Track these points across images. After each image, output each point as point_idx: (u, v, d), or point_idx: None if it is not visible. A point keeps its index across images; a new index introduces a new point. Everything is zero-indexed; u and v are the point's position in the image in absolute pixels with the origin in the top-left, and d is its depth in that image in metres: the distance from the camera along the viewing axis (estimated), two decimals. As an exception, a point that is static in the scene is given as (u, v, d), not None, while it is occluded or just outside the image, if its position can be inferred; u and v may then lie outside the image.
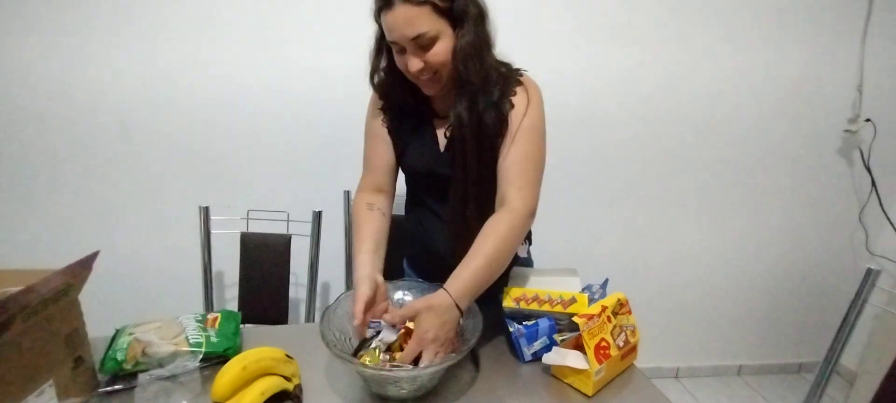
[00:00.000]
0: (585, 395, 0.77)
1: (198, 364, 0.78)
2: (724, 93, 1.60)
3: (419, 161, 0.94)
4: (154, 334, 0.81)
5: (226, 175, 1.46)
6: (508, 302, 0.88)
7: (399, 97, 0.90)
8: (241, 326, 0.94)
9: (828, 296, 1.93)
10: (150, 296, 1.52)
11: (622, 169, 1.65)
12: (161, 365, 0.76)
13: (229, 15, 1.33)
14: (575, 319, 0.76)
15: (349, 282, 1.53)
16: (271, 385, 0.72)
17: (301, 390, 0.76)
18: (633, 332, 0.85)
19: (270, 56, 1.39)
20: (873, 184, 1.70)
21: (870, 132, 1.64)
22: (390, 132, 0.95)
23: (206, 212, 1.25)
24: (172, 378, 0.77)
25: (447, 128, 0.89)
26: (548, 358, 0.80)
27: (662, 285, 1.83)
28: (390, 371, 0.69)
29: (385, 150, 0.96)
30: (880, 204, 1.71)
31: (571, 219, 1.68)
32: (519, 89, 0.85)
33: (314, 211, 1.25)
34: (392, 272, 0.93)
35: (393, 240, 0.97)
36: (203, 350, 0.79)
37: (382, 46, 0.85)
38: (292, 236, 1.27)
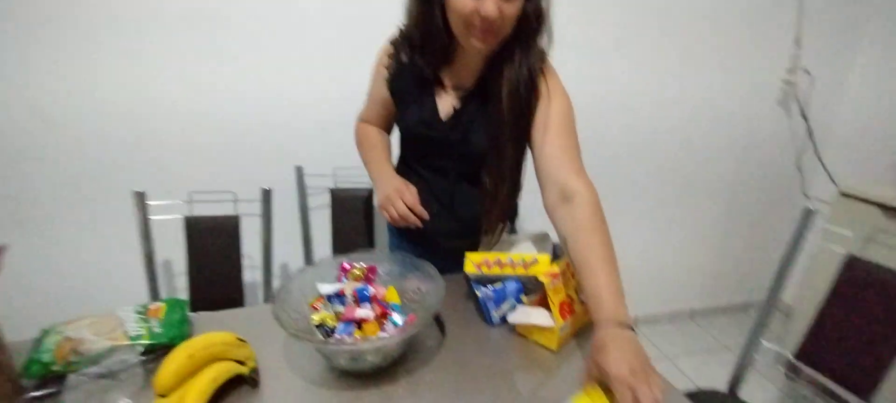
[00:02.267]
0: (551, 350, 0.78)
1: (139, 358, 0.72)
2: (669, 47, 1.63)
3: (418, 123, 0.92)
4: (86, 330, 0.73)
5: (162, 157, 1.35)
6: (469, 268, 0.87)
7: (428, 41, 0.83)
8: (192, 315, 0.88)
9: (768, 239, 2.07)
10: (86, 294, 1.40)
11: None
12: (96, 363, 0.70)
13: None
14: (540, 277, 0.76)
15: (308, 261, 1.47)
16: (223, 371, 0.67)
17: (258, 373, 0.72)
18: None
19: (204, 19, 1.26)
20: (809, 132, 1.81)
21: (807, 82, 1.73)
22: (392, 89, 0.94)
23: (141, 198, 1.14)
24: (110, 375, 0.70)
25: (458, 95, 0.89)
26: (513, 317, 0.80)
27: (619, 240, 1.88)
28: (353, 344, 0.66)
29: (383, 114, 1.01)
30: (815, 150, 1.83)
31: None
32: (548, 72, 0.85)
33: (263, 189, 1.18)
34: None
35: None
36: (145, 342, 0.73)
37: None
38: (241, 217, 1.19)
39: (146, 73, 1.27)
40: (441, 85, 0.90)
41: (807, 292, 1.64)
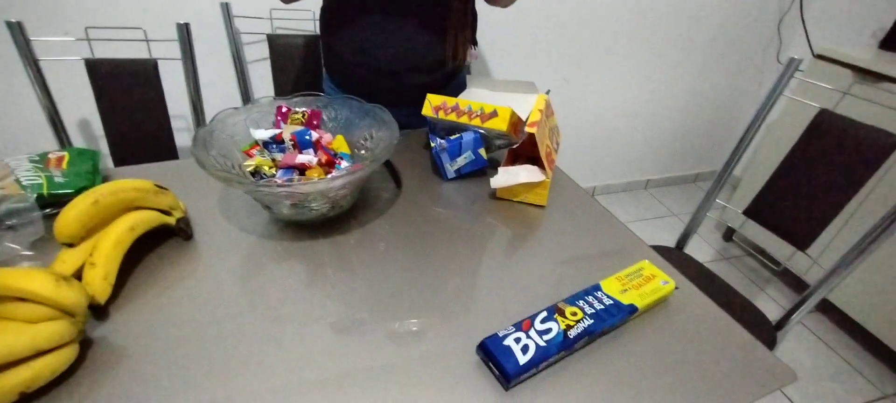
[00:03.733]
0: (540, 206, 0.73)
1: (38, 212, 0.61)
2: None
3: None
4: (-35, 179, 0.61)
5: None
6: (427, 110, 0.78)
7: None
8: (112, 168, 0.76)
9: (730, 110, 2.08)
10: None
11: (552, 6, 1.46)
12: (-20, 214, 0.59)
13: None
14: (528, 128, 0.67)
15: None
16: (143, 219, 0.58)
17: (188, 224, 0.63)
18: (558, 131, 0.81)
19: None
20: (797, -10, 1.69)
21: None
22: None
23: (21, 30, 0.91)
24: (7, 229, 0.60)
25: None
26: (497, 182, 0.70)
27: (585, 109, 1.83)
28: (291, 185, 0.57)
29: None
30: (801, 9, 1.73)
31: (496, 44, 1.53)
32: None
33: (178, 24, 0.96)
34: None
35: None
36: (43, 191, 0.62)
37: None
38: (158, 61, 0.99)
39: None
40: None
41: (756, 163, 1.69)
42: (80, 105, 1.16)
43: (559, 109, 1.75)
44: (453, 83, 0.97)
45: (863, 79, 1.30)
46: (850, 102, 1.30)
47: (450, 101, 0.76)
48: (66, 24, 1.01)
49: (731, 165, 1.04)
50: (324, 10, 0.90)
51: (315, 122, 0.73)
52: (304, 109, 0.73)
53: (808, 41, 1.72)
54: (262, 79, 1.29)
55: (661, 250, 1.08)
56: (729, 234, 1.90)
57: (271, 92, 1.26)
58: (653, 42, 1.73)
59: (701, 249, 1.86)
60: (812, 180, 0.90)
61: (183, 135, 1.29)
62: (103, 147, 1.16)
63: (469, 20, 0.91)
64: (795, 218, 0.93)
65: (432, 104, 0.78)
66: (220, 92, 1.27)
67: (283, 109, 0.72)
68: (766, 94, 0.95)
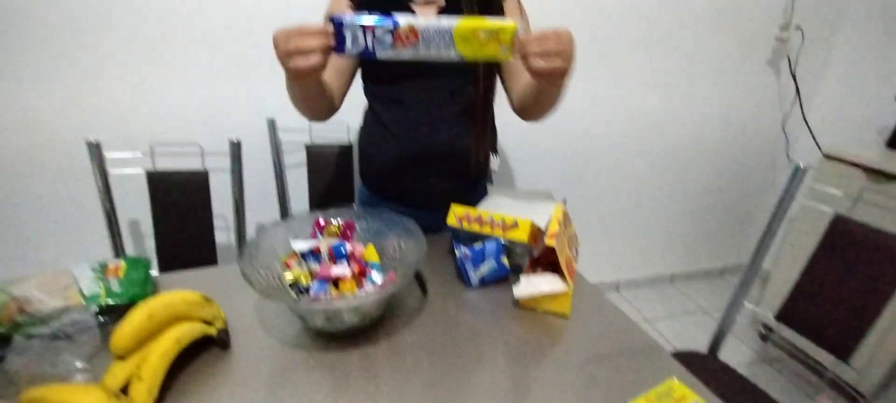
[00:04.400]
0: (563, 317, 0.74)
1: (95, 319, 0.67)
2: (665, 3, 1.56)
3: None
4: (35, 289, 0.67)
5: (120, 103, 1.24)
6: (452, 220, 0.83)
7: None
8: (160, 275, 0.82)
9: (749, 204, 2.10)
10: (47, 256, 1.31)
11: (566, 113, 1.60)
12: (45, 324, 0.64)
13: None
14: (548, 241, 0.71)
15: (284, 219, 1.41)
16: (188, 331, 0.62)
17: (227, 334, 0.67)
18: (577, 239, 0.84)
19: None
20: (798, 92, 1.79)
21: (798, 39, 1.70)
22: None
23: (97, 149, 1.05)
24: (66, 338, 0.65)
25: (434, 10, 0.89)
26: (520, 291, 0.73)
27: (603, 205, 1.88)
28: (328, 301, 0.62)
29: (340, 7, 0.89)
30: (802, 112, 1.82)
31: (513, 146, 1.64)
32: None
33: (231, 141, 1.09)
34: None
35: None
36: (101, 301, 0.67)
37: None
38: (209, 172, 1.11)
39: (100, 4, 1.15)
40: (412, 8, 0.89)
41: (784, 257, 1.66)
42: (135, 210, 1.28)
43: (576, 203, 1.80)
44: (476, 188, 1.04)
45: (875, 181, 1.32)
46: (866, 203, 1.31)
47: (473, 212, 0.82)
48: (136, 140, 1.16)
49: (757, 264, 1.03)
50: (362, 127, 1.02)
51: (349, 233, 0.79)
52: (339, 221, 0.79)
53: (815, 140, 1.78)
54: (298, 182, 1.40)
55: (692, 358, 1.05)
56: (766, 333, 1.81)
57: (306, 193, 1.36)
58: (658, 144, 1.82)
59: (738, 351, 1.76)
60: (840, 287, 0.89)
61: (221, 233, 1.38)
62: (149, 243, 1.25)
63: (489, 132, 1.01)
64: (830, 325, 0.91)
65: (457, 214, 0.83)
66: (258, 192, 1.38)
67: (321, 222, 0.78)
68: (778, 199, 0.98)
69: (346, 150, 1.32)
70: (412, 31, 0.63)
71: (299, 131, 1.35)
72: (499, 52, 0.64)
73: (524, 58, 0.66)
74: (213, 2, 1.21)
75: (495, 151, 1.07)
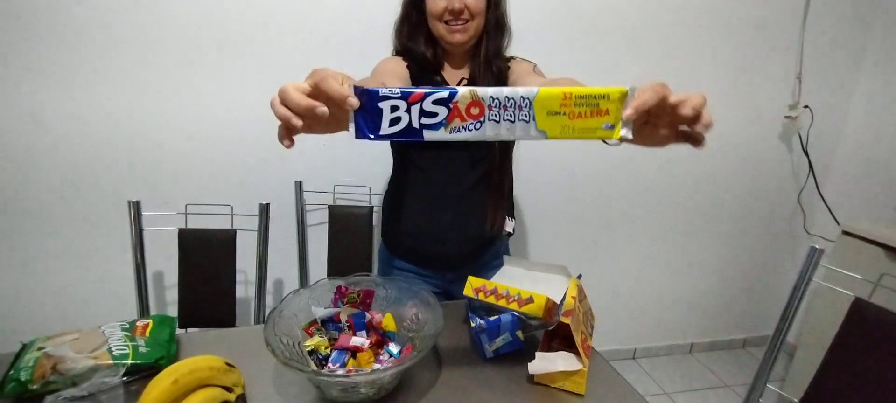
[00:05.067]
0: (578, 395, 0.73)
1: (121, 379, 0.69)
2: (674, 83, 1.64)
3: None
4: (69, 347, 0.70)
5: (161, 166, 1.33)
6: (468, 291, 0.85)
7: (420, 48, 0.96)
8: (180, 332, 0.85)
9: (769, 274, 2.05)
10: (73, 306, 1.36)
11: (577, 158, 1.66)
12: (76, 384, 0.66)
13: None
14: (563, 319, 0.72)
15: (302, 284, 1.44)
16: (208, 397, 0.64)
17: (245, 400, 0.68)
18: (592, 315, 0.85)
19: (208, 31, 1.26)
20: (810, 167, 1.81)
21: (808, 118, 1.74)
22: (410, 75, 0.95)
23: (136, 207, 1.12)
24: (90, 397, 0.67)
25: (460, 84, 0.97)
26: (534, 368, 0.74)
27: (618, 271, 1.87)
28: (346, 375, 0.64)
29: (396, 83, 0.88)
30: (816, 186, 1.82)
31: (529, 208, 1.68)
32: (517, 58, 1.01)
33: (260, 204, 1.16)
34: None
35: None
36: (129, 362, 0.70)
37: (411, 9, 0.97)
38: (237, 231, 1.16)
39: (148, 82, 1.26)
40: (446, 83, 0.98)
41: (809, 330, 1.61)
42: (162, 266, 1.34)
43: (592, 269, 1.80)
44: (491, 250, 1.08)
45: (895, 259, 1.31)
46: (885, 287, 1.28)
47: (489, 285, 0.84)
48: (173, 201, 1.24)
49: (779, 341, 1.01)
50: (387, 190, 1.09)
51: (368, 301, 0.81)
52: (359, 289, 0.82)
53: (832, 214, 1.77)
54: (319, 239, 1.44)
55: (713, 441, 1.00)
56: (794, 414, 1.71)
57: (325, 251, 1.40)
58: (674, 210, 1.83)
59: (764, 431, 1.66)
60: (864, 374, 0.86)
61: (240, 287, 1.41)
62: (171, 294, 1.28)
63: (505, 198, 1.06)
64: (859, 415, 0.87)
65: (473, 286, 0.85)
66: (280, 248, 1.42)
67: (342, 288, 0.81)
68: (797, 278, 0.98)
69: (366, 212, 1.38)
70: (476, 102, 0.47)
71: (324, 193, 1.42)
72: (599, 129, 0.49)
73: (664, 125, 0.52)
74: (248, 88, 1.32)
75: (512, 215, 1.11)
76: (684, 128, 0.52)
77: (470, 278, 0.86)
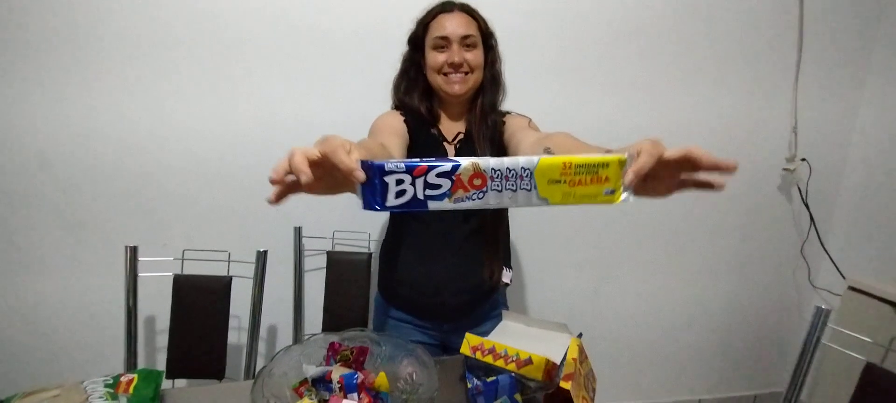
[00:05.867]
0: None
1: (100, 442, 0.66)
2: (672, 135, 1.66)
3: None
4: (49, 405, 0.68)
5: (160, 212, 1.34)
6: (465, 349, 0.82)
7: (417, 103, 1.00)
8: (167, 385, 0.82)
9: (777, 328, 2.00)
10: (64, 352, 1.33)
11: (574, 206, 1.65)
12: (51, 446, 0.63)
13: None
14: (563, 384, 0.70)
15: (297, 331, 1.41)
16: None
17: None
18: (593, 376, 0.82)
19: (210, 79, 1.30)
20: (812, 219, 1.80)
21: (806, 171, 1.75)
22: (408, 130, 0.97)
23: (133, 252, 1.11)
24: (66, 460, 0.64)
25: (456, 138, 1.00)
26: None
27: (622, 324, 1.82)
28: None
29: (395, 140, 0.89)
30: (819, 239, 1.81)
31: (527, 257, 1.66)
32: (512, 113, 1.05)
33: (258, 251, 1.15)
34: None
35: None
36: (108, 422, 0.67)
37: (410, 66, 1.02)
38: (233, 278, 1.15)
39: (148, 123, 1.29)
40: (445, 138, 1.01)
41: (821, 389, 1.55)
42: (156, 309, 1.31)
43: (592, 320, 1.75)
44: (489, 301, 1.07)
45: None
46: None
47: (487, 344, 0.81)
48: (172, 242, 1.23)
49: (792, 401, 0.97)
50: (384, 241, 1.09)
51: (362, 359, 0.79)
52: (353, 346, 0.79)
53: (837, 268, 1.75)
54: (317, 285, 1.42)
55: None
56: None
57: (321, 297, 1.38)
58: (676, 260, 1.81)
59: None
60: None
61: (233, 333, 1.38)
62: (162, 340, 1.25)
63: (501, 249, 1.06)
64: None
65: (470, 344, 0.83)
66: (278, 293, 1.40)
67: (336, 345, 0.79)
68: (805, 336, 0.95)
69: (364, 259, 1.36)
70: (478, 174, 0.48)
71: (322, 239, 1.41)
72: (600, 195, 0.50)
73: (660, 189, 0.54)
74: (249, 132, 1.35)
75: (509, 266, 1.10)
76: (688, 177, 0.54)
77: (468, 335, 0.84)
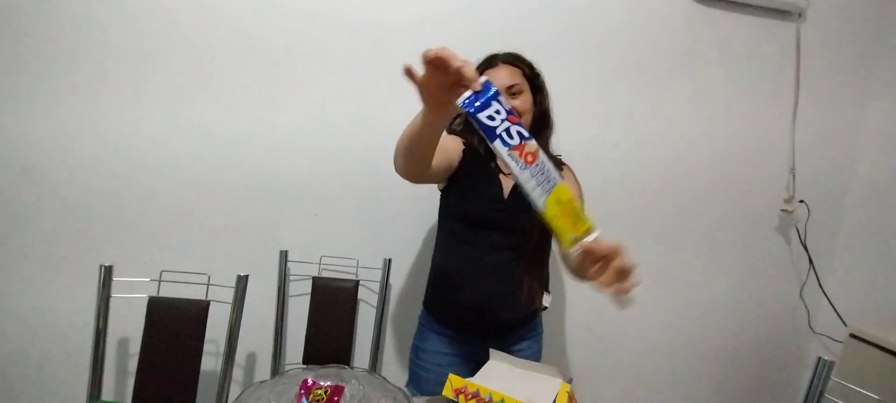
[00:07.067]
0: None
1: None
2: (669, 178, 1.65)
3: (479, 204, 1.06)
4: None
5: (142, 229, 1.30)
6: (447, 392, 0.78)
7: (476, 143, 1.06)
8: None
9: (777, 372, 1.93)
10: (30, 375, 1.27)
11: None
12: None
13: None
14: None
15: (276, 361, 1.35)
16: None
17: None
18: None
19: (194, 93, 1.28)
20: (810, 262, 1.77)
21: (804, 212, 1.73)
22: (464, 151, 1.06)
23: (108, 272, 1.06)
24: None
25: (510, 179, 1.03)
26: None
27: (615, 366, 1.76)
28: None
29: (442, 157, 0.97)
30: (818, 282, 1.77)
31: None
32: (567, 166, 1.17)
33: (238, 275, 1.10)
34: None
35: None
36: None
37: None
38: (211, 302, 1.10)
39: (133, 138, 1.27)
40: (501, 171, 1.07)
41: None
42: (129, 332, 1.26)
43: (586, 354, 1.70)
44: (531, 322, 1.15)
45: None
46: None
47: (470, 387, 0.77)
48: (149, 267, 1.19)
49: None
50: (433, 260, 1.18)
51: (336, 399, 0.74)
52: (328, 384, 0.75)
53: (838, 314, 1.71)
54: (300, 312, 1.37)
55: None
56: None
57: (304, 324, 1.32)
58: (676, 298, 1.76)
59: None
60: None
61: (209, 359, 1.31)
62: (132, 363, 1.19)
63: (543, 274, 1.14)
64: None
65: (454, 386, 0.78)
66: (259, 317, 1.34)
67: (309, 383, 0.74)
68: (806, 391, 0.90)
69: (352, 286, 1.32)
70: (533, 155, 0.61)
71: (308, 264, 1.37)
72: (566, 237, 0.62)
73: (587, 266, 0.64)
74: (236, 153, 1.33)
75: (548, 290, 1.15)
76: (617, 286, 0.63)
77: (451, 376, 0.80)
